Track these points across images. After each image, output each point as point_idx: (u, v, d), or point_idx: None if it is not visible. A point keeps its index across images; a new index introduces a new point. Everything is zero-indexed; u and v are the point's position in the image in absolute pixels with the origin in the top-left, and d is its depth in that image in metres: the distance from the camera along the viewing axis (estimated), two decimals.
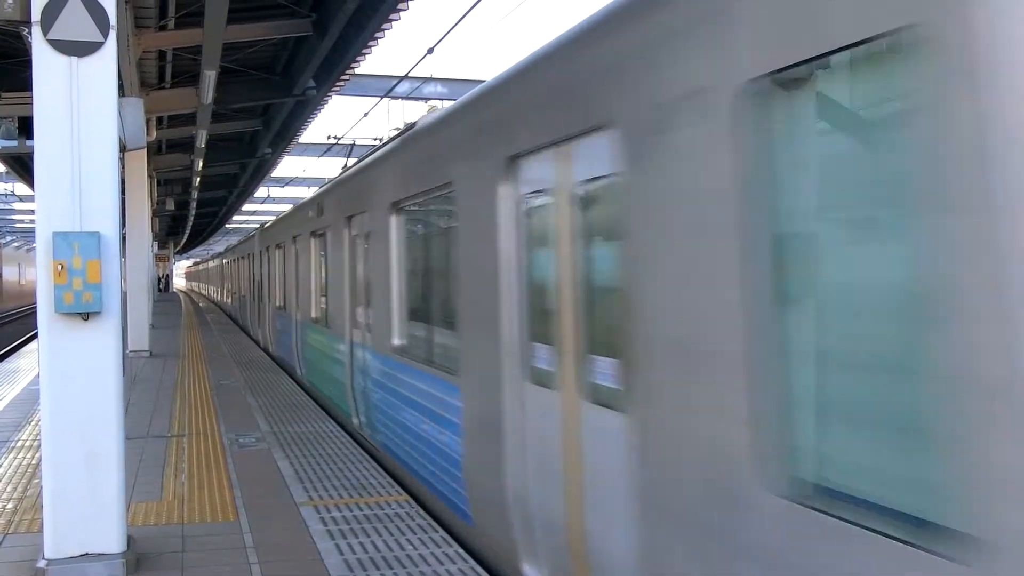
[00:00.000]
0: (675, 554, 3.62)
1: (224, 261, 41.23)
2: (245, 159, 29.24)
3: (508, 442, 5.45)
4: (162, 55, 16.35)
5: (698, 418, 3.44)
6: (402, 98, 21.63)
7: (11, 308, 66.11)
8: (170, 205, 33.25)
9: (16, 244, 76.69)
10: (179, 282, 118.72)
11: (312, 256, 13.43)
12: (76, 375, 5.42)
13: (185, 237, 62.83)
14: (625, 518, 4.06)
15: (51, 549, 5.37)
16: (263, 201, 48.98)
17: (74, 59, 5.37)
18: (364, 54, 15.94)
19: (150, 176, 23.60)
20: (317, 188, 12.31)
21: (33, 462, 8.71)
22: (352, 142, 20.32)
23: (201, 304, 50.42)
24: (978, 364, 2.25)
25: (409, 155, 7.88)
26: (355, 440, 9.92)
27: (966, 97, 2.25)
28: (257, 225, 30.04)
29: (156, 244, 44.11)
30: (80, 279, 5.30)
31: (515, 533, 5.41)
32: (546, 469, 5.03)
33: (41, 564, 5.36)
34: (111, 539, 5.46)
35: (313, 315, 13.37)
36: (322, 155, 31.34)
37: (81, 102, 5.38)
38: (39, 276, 5.38)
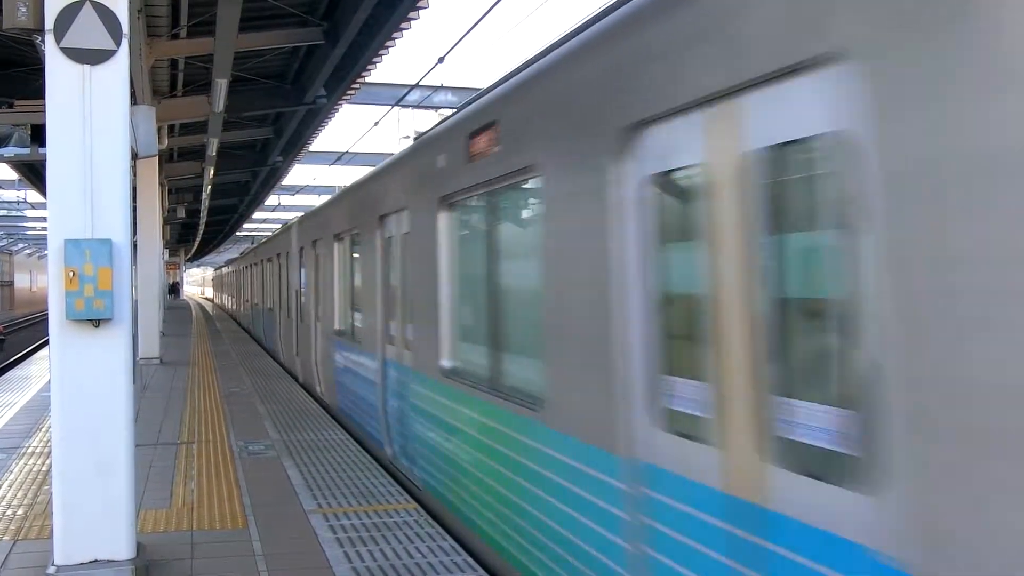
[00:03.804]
0: None
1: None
2: (256, 167, 29.35)
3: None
4: (174, 63, 16.45)
5: None
6: (412, 107, 21.70)
7: (23, 315, 66.39)
8: (181, 213, 33.41)
9: (28, 251, 77.06)
10: (194, 290, 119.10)
11: None
12: (87, 382, 5.43)
13: (196, 245, 63.06)
14: None
15: (61, 555, 5.37)
16: (273, 209, 49.17)
17: (87, 67, 5.40)
18: (375, 63, 16.00)
19: (161, 184, 23.71)
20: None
21: (43, 469, 8.73)
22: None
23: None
24: None
25: None
26: None
27: None
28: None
29: (167, 252, 44.27)
30: (91, 286, 5.31)
31: None
32: None
33: (51, 570, 5.36)
34: (120, 546, 5.46)
35: None
36: (332, 164, 31.45)
37: (93, 110, 5.40)
38: (50, 283, 5.40)
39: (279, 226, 28.83)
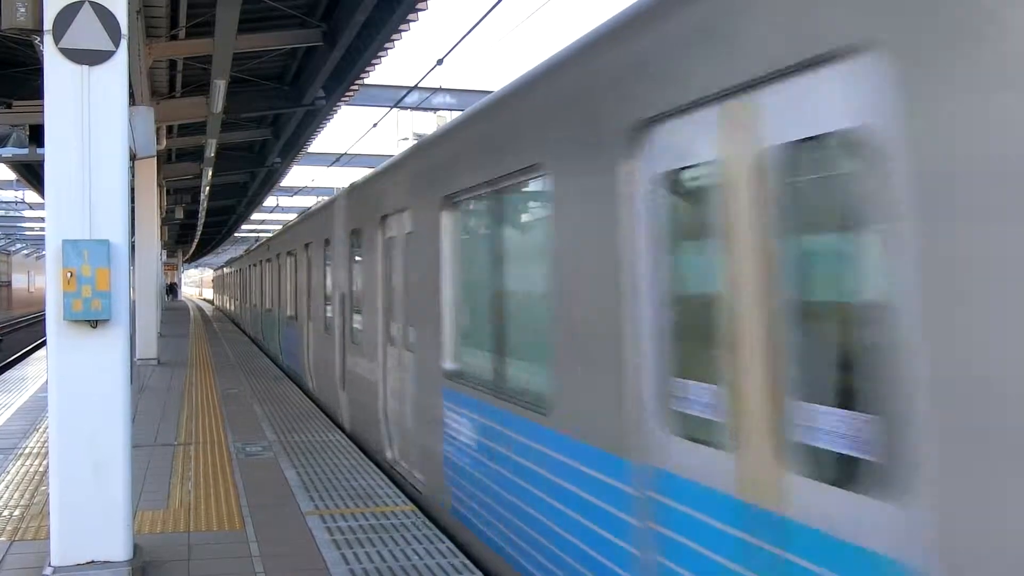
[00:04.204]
0: None
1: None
2: (254, 168, 29.36)
3: None
4: (173, 64, 16.45)
5: None
6: (411, 108, 21.72)
7: (20, 315, 66.32)
8: (179, 214, 33.41)
9: (26, 252, 77.00)
10: (192, 291, 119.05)
11: None
12: (84, 382, 5.42)
13: (194, 246, 63.04)
14: None
15: (57, 556, 5.36)
16: (272, 210, 49.15)
17: (85, 68, 5.40)
18: (374, 64, 16.01)
19: (160, 185, 23.70)
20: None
21: (40, 469, 8.72)
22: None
23: None
24: None
25: None
26: None
27: None
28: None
29: (165, 253, 44.24)
30: (89, 287, 5.31)
31: None
32: None
33: (47, 571, 5.35)
34: (117, 547, 5.45)
35: None
36: (331, 165, 31.45)
37: (92, 111, 5.40)
38: (48, 284, 5.40)
39: (283, 223, 27.58)
